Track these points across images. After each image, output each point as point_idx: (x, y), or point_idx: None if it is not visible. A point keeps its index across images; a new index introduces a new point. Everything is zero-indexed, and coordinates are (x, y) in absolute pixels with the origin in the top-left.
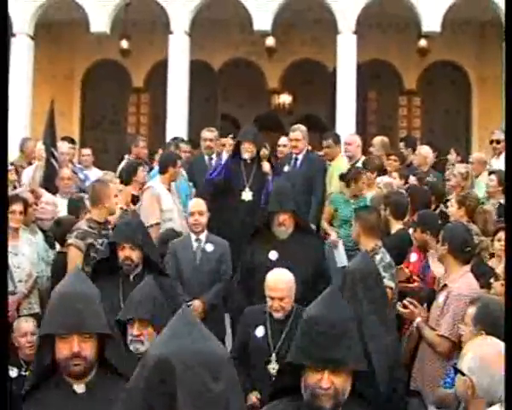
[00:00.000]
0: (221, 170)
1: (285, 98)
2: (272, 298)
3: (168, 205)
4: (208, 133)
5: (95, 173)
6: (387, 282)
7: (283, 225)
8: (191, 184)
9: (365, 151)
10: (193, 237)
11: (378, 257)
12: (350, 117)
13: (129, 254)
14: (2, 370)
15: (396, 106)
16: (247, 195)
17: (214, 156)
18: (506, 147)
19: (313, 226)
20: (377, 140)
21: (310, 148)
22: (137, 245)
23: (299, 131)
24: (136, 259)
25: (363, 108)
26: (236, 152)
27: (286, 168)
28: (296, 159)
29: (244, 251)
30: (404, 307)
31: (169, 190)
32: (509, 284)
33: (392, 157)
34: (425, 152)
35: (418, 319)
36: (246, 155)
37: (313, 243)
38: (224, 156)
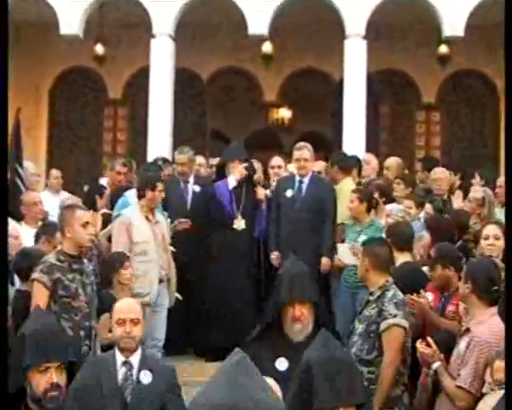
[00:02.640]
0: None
1: (284, 113)
2: None
3: (142, 236)
4: (181, 156)
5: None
6: (399, 321)
7: (299, 320)
8: (165, 213)
9: (378, 175)
10: (119, 358)
11: (389, 294)
12: (359, 135)
13: None
14: (2, 370)
15: (412, 122)
16: (239, 223)
17: (191, 180)
18: (506, 149)
19: (327, 261)
20: (392, 162)
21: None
22: None
23: (306, 150)
24: None
25: (375, 124)
26: (221, 174)
27: (289, 193)
28: (301, 182)
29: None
30: (427, 345)
31: (148, 218)
32: (508, 287)
33: (396, 180)
34: (441, 175)
35: (437, 364)
36: (235, 177)
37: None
38: (232, 183)
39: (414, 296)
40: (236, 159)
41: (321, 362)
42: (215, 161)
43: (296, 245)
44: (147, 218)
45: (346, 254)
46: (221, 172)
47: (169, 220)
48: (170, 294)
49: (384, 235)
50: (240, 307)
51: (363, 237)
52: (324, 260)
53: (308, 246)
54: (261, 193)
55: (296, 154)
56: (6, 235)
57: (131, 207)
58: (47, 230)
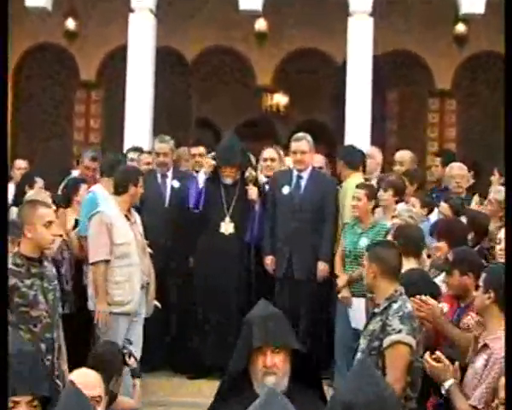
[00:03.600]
0: (198, 199)
1: (279, 99)
2: None
3: (124, 237)
4: (163, 145)
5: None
6: (403, 337)
7: (272, 373)
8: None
9: (384, 170)
10: None
11: (395, 306)
12: (364, 124)
13: None
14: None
15: (424, 110)
16: (226, 227)
17: (170, 174)
18: (505, 149)
19: (324, 267)
20: (405, 155)
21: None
22: None
23: (305, 141)
24: None
25: (382, 112)
26: (215, 173)
27: (285, 190)
28: (300, 177)
29: None
30: (438, 360)
31: (127, 216)
32: (509, 286)
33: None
34: (460, 171)
35: (450, 382)
36: (227, 180)
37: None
38: (201, 178)
39: (422, 298)
40: (228, 165)
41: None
42: (197, 150)
43: (293, 248)
44: (126, 217)
45: (359, 313)
46: (215, 171)
47: (137, 218)
48: (148, 302)
49: (389, 237)
50: (226, 319)
51: (364, 241)
52: (321, 266)
53: (306, 249)
54: (253, 192)
55: (293, 145)
56: (6, 235)
57: (107, 204)
58: (11, 229)
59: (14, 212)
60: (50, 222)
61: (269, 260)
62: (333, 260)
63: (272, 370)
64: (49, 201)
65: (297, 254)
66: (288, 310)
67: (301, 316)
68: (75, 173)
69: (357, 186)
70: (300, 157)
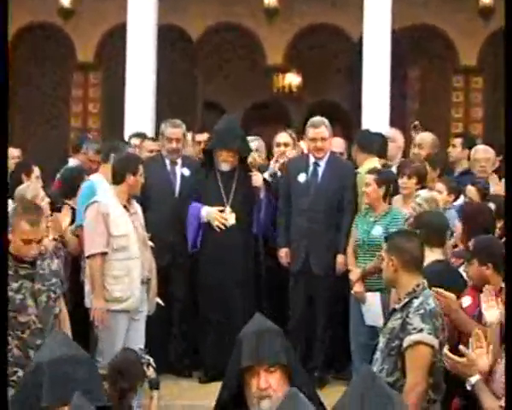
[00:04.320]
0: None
1: (291, 79)
2: None
3: (122, 229)
4: (175, 130)
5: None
6: (423, 337)
7: (267, 395)
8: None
9: (406, 154)
10: None
11: (416, 302)
12: (382, 105)
13: None
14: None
15: (448, 89)
16: (228, 218)
17: (179, 162)
18: (506, 148)
19: (344, 260)
20: (426, 138)
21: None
22: None
23: (324, 127)
24: None
25: (402, 92)
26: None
27: (301, 177)
28: (317, 164)
29: None
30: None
31: (126, 207)
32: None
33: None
34: (485, 155)
35: (476, 377)
36: (224, 167)
37: None
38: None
39: (437, 290)
40: (224, 148)
41: None
42: (203, 137)
43: (310, 241)
44: (125, 207)
45: (375, 312)
46: (209, 159)
47: (139, 210)
48: (150, 298)
49: (406, 226)
50: (227, 318)
51: (378, 229)
52: (340, 259)
53: (323, 242)
54: (257, 179)
55: (312, 132)
56: (6, 232)
57: (104, 193)
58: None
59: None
60: (30, 241)
61: (283, 253)
62: None
63: (267, 392)
64: (43, 198)
65: (314, 247)
66: (304, 306)
67: (318, 313)
68: (72, 162)
69: (368, 172)
70: (321, 144)
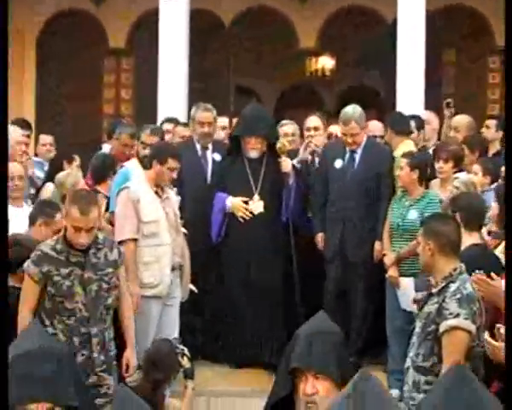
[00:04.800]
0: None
1: (325, 62)
2: None
3: (152, 215)
4: (207, 114)
5: None
6: (460, 322)
7: (312, 402)
8: (174, 189)
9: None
10: None
11: (453, 286)
12: (417, 88)
13: None
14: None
15: (484, 71)
16: (256, 206)
17: (210, 147)
18: (506, 144)
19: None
20: (462, 120)
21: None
22: None
23: (353, 123)
24: None
25: (437, 74)
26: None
27: (338, 164)
28: (353, 151)
29: None
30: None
31: (158, 193)
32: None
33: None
34: None
35: None
36: (252, 154)
37: None
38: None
39: (480, 276)
40: (252, 135)
41: None
42: (225, 121)
43: (346, 228)
44: (156, 193)
45: (409, 293)
46: (236, 144)
47: (178, 198)
48: (183, 285)
49: (442, 209)
50: (257, 309)
51: (414, 213)
52: (378, 246)
53: (359, 229)
54: (287, 165)
55: (342, 128)
56: (6, 231)
57: (136, 179)
58: (44, 210)
59: (49, 188)
60: (80, 228)
61: (319, 238)
62: None
63: (312, 398)
64: (82, 185)
65: (349, 234)
66: (340, 295)
67: (354, 301)
68: (106, 148)
69: (402, 155)
70: (351, 140)
